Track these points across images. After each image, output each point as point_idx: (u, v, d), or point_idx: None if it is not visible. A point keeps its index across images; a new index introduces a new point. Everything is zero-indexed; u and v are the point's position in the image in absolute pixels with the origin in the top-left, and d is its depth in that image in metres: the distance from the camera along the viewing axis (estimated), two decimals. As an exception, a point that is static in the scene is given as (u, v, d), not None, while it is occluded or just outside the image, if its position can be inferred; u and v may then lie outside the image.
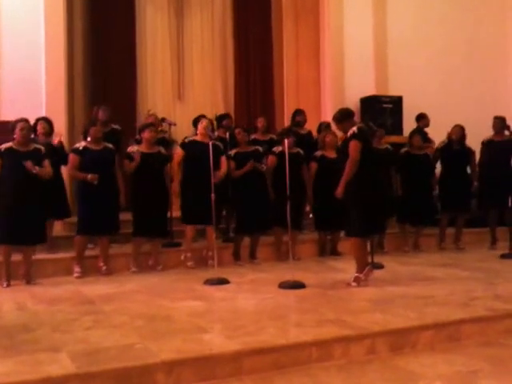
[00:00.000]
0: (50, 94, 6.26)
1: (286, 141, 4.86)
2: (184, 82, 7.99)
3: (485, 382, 2.73)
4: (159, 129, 6.20)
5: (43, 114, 5.86)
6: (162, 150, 5.46)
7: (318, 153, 5.96)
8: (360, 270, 4.46)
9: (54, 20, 6.35)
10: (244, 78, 8.17)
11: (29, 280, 4.78)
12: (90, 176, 4.93)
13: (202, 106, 7.68)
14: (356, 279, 4.45)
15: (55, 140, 5.38)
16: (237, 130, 5.76)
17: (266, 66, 8.22)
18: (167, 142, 5.97)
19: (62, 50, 6.42)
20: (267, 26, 8.23)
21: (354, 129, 4.49)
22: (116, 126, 6.01)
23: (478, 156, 6.59)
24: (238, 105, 8.09)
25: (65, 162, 5.33)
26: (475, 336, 3.37)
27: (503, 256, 5.82)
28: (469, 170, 6.54)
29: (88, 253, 5.31)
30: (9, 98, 6.04)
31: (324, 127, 6.55)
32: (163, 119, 6.32)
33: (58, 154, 5.27)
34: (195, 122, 6.02)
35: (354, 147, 4.41)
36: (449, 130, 6.48)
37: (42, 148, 4.86)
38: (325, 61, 7.86)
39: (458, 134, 6.38)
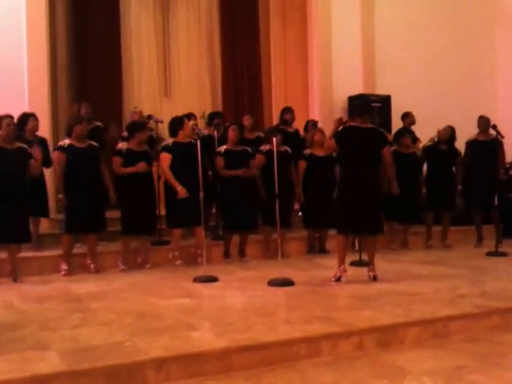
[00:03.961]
0: (33, 88, 6.16)
1: (274, 139, 4.86)
2: (171, 79, 7.91)
3: (470, 378, 2.76)
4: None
5: (26, 107, 5.76)
6: (147, 148, 5.42)
7: (307, 151, 5.99)
8: (338, 266, 4.53)
9: (36, 14, 6.24)
10: (232, 75, 8.13)
11: (15, 278, 4.75)
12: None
13: (189, 103, 7.61)
14: (334, 275, 4.52)
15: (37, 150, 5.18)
16: (232, 127, 5.68)
17: (254, 63, 8.19)
18: (154, 140, 5.92)
19: (44, 44, 6.31)
20: (254, 23, 8.20)
21: (340, 127, 4.56)
22: (99, 124, 5.94)
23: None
24: (226, 102, 8.05)
25: (47, 163, 5.28)
26: (461, 332, 3.41)
27: (489, 254, 5.89)
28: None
29: (75, 250, 5.27)
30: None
31: (312, 125, 6.56)
32: (150, 116, 6.25)
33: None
34: (175, 124, 5.40)
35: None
36: (436, 129, 6.52)
37: (27, 148, 4.79)
38: (312, 59, 7.88)
39: (446, 135, 6.44)
